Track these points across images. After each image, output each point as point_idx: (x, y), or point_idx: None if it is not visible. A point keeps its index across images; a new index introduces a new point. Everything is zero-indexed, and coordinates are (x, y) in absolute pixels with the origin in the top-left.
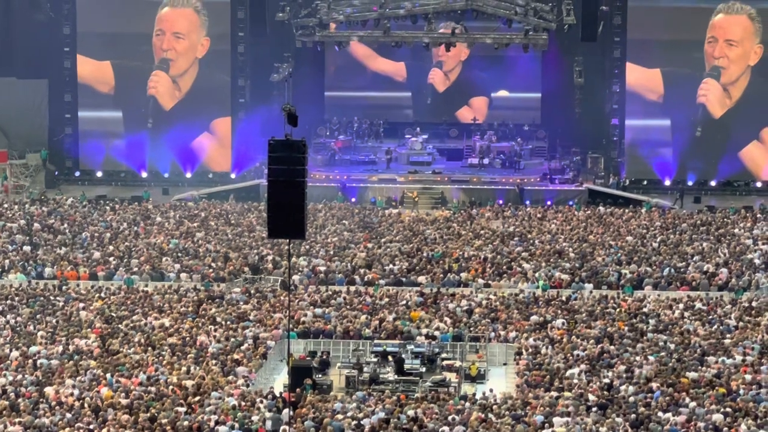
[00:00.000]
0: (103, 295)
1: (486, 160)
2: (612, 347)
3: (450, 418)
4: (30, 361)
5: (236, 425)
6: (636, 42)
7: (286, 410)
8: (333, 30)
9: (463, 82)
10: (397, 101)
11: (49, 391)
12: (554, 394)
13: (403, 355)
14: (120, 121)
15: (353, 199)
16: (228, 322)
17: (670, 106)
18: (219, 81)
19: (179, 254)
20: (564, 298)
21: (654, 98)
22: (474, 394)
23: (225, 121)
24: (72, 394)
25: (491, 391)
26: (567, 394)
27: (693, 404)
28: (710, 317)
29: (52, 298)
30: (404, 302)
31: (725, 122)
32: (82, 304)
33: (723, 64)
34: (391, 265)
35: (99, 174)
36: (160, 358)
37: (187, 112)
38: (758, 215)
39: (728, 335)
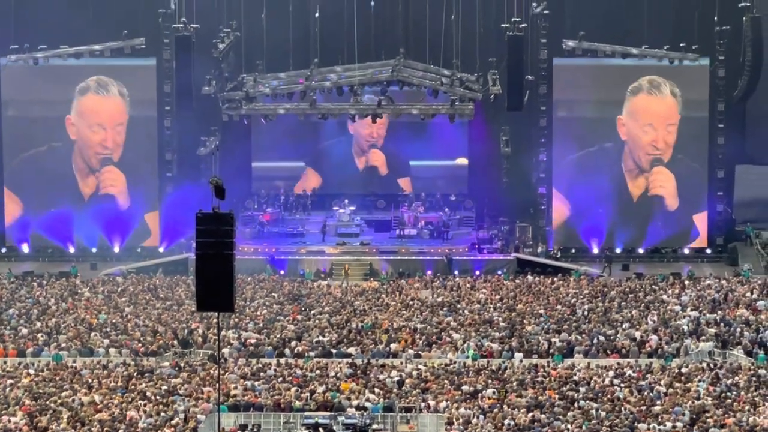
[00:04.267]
0: (31, 371)
1: (414, 231)
2: (543, 416)
3: None
4: None
5: None
6: (562, 101)
7: None
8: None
9: (389, 153)
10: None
11: None
12: None
13: (334, 427)
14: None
15: (282, 272)
16: (158, 397)
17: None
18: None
19: (108, 329)
20: (494, 368)
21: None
22: None
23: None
24: None
25: None
26: None
27: None
28: (640, 384)
29: None
30: (334, 374)
31: (679, 211)
32: (9, 381)
33: (663, 150)
34: (320, 337)
35: (26, 250)
36: None
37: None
38: (686, 282)
39: (658, 402)
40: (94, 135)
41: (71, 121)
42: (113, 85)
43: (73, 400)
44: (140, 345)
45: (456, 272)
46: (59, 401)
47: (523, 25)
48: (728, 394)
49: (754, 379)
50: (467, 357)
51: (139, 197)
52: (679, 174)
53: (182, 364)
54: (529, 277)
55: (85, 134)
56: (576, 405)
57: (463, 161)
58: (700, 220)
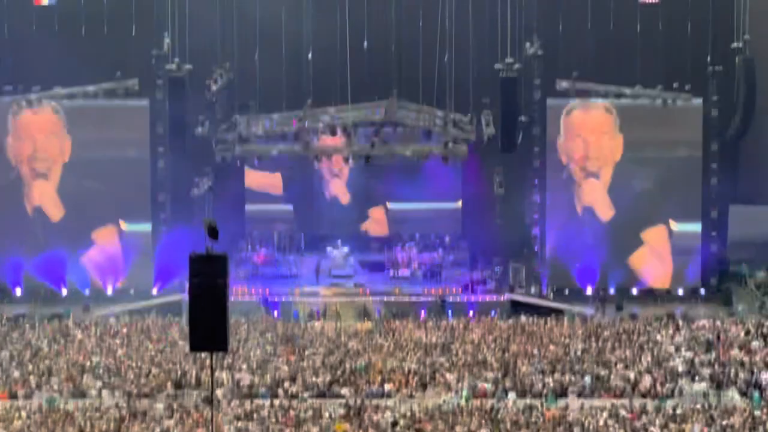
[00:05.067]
0: (23, 414)
1: (408, 272)
2: None
3: None
4: None
5: None
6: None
7: None
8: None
9: (374, 191)
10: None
11: None
12: None
13: None
14: None
15: (275, 313)
16: None
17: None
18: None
19: (101, 371)
20: (488, 408)
21: None
22: None
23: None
24: None
25: None
26: None
27: None
28: (635, 425)
29: None
30: (328, 414)
31: (612, 226)
32: (1, 424)
33: (599, 164)
34: (314, 378)
35: (18, 293)
36: None
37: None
38: (680, 322)
39: None
40: (26, 147)
41: (9, 144)
42: (44, 100)
43: None
44: (133, 387)
45: (450, 313)
46: None
47: (516, 66)
48: None
49: (749, 420)
50: (461, 397)
51: (81, 214)
52: (624, 190)
53: (175, 406)
54: (523, 318)
55: (18, 152)
56: None
57: (456, 205)
58: (654, 235)
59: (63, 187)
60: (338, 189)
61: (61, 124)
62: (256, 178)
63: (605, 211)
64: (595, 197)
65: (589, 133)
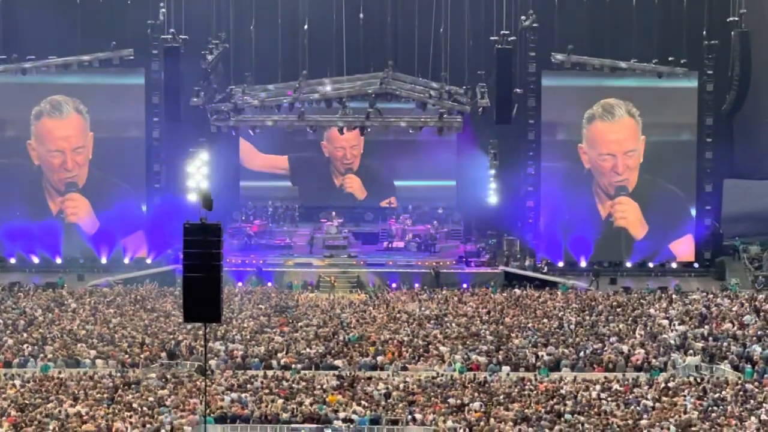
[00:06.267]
0: (17, 382)
1: (402, 243)
2: (530, 429)
3: None
4: None
5: None
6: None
7: None
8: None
9: (377, 171)
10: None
11: None
12: None
13: None
14: None
15: (269, 284)
16: (144, 408)
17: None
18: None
19: (94, 340)
20: (481, 381)
21: None
22: None
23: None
24: None
25: None
26: None
27: None
28: (627, 398)
29: None
30: (321, 386)
31: (645, 241)
32: None
33: (626, 175)
34: (307, 349)
35: (12, 261)
36: None
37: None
38: (673, 296)
39: (645, 416)
40: (54, 159)
41: (32, 146)
42: (68, 104)
43: (59, 412)
44: (127, 356)
45: (443, 285)
46: (45, 413)
47: (511, 38)
48: (715, 408)
49: (741, 393)
50: (454, 370)
51: (111, 220)
52: (653, 199)
53: (169, 376)
54: (516, 291)
55: (45, 159)
56: (563, 419)
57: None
58: (680, 246)
59: (89, 183)
60: (353, 185)
61: (85, 125)
62: (262, 160)
63: (639, 232)
64: (630, 220)
65: (618, 151)
